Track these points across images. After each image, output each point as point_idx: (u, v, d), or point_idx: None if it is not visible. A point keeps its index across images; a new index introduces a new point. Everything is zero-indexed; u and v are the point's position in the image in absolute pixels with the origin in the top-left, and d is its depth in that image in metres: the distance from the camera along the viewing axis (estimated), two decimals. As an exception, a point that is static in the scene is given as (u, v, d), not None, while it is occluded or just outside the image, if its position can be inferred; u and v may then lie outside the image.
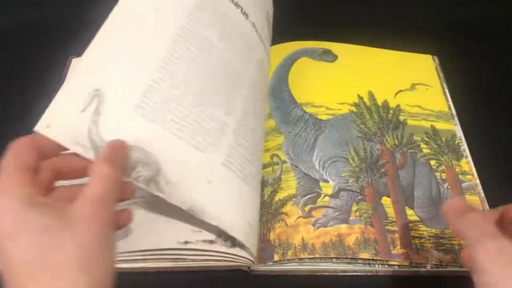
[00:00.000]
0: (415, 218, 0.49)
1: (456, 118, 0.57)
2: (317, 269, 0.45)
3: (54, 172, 0.33)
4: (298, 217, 0.48)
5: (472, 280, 0.32)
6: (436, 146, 0.54)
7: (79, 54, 0.60)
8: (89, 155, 0.34)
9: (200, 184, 0.39)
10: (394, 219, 0.48)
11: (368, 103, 0.57)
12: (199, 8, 0.44)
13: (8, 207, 0.28)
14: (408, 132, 0.55)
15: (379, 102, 0.58)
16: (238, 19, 0.48)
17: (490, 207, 0.50)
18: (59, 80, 0.58)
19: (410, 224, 0.48)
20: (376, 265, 0.45)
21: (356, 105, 0.57)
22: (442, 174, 0.52)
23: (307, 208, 0.48)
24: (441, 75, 0.62)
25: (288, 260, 0.45)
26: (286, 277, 0.46)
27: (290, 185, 0.50)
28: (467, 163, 0.53)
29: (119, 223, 0.34)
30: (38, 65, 0.61)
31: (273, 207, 0.49)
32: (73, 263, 0.27)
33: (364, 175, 0.51)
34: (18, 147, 0.31)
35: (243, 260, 0.43)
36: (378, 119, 0.56)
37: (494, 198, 0.50)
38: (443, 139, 0.55)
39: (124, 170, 0.33)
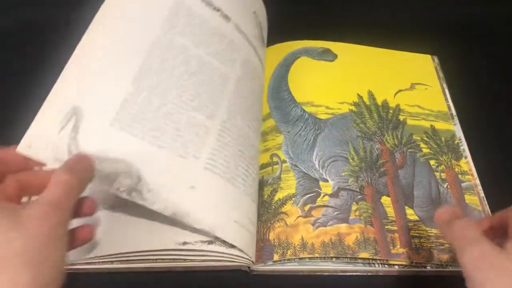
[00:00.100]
0: (414, 217, 0.49)
1: (455, 118, 0.57)
2: (317, 269, 0.45)
3: (19, 184, 0.35)
4: (298, 217, 0.48)
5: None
6: (435, 146, 0.54)
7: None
8: None
9: (183, 190, 0.40)
10: (394, 219, 0.48)
11: (367, 103, 0.57)
12: (173, 18, 0.45)
13: None
14: (408, 131, 0.55)
15: (379, 101, 0.58)
16: (217, 23, 0.49)
17: (490, 207, 0.50)
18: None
19: (409, 224, 0.48)
20: (376, 265, 0.45)
21: (356, 104, 0.57)
22: (442, 174, 0.52)
23: (306, 208, 0.48)
24: (441, 75, 0.62)
25: (287, 259, 0.45)
26: (286, 277, 0.46)
27: (290, 184, 0.50)
28: (467, 163, 0.53)
29: (80, 239, 0.36)
30: (38, 65, 0.61)
31: (273, 206, 0.49)
32: (17, 259, 0.27)
33: (363, 175, 0.51)
34: None
35: (242, 260, 0.43)
36: (377, 119, 0.56)
37: (494, 198, 0.50)
38: (443, 139, 0.55)
39: (83, 180, 0.34)
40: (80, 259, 0.42)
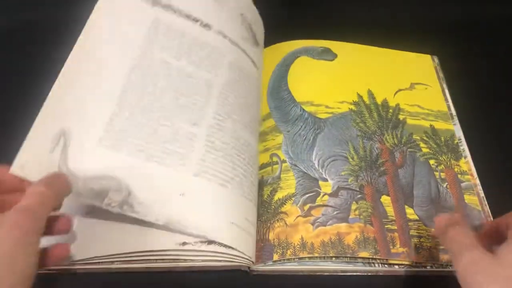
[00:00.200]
0: (414, 217, 0.49)
1: (455, 118, 0.57)
2: (317, 269, 0.45)
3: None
4: (298, 216, 0.48)
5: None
6: (435, 146, 0.54)
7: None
8: None
9: (173, 199, 0.41)
10: (394, 218, 0.48)
11: (367, 102, 0.57)
12: (152, 36, 0.47)
13: None
14: (408, 131, 0.55)
15: (379, 101, 0.58)
16: (197, 33, 0.50)
17: (489, 207, 0.50)
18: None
19: (409, 223, 0.48)
20: (376, 265, 0.45)
21: (355, 103, 0.57)
22: (441, 174, 0.52)
23: (306, 207, 0.48)
24: (441, 75, 0.62)
25: (287, 259, 0.45)
26: (286, 277, 0.46)
27: (290, 184, 0.50)
28: (466, 163, 0.53)
29: (55, 256, 0.37)
30: (38, 65, 0.61)
31: (273, 206, 0.49)
32: None
33: (363, 174, 0.51)
34: None
35: (242, 260, 0.43)
36: (377, 118, 0.56)
37: (494, 198, 0.50)
38: (442, 138, 0.55)
39: (59, 194, 0.36)
40: (80, 259, 0.42)
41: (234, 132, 0.47)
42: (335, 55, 0.62)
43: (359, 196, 0.49)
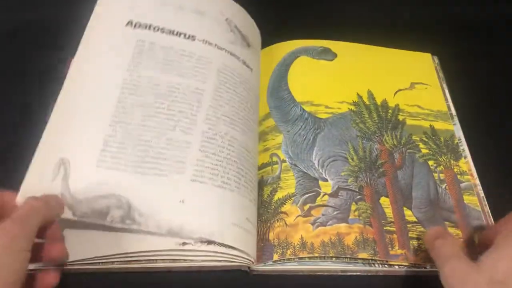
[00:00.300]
0: (413, 219, 0.49)
1: (455, 118, 0.57)
2: (317, 269, 0.46)
3: None
4: (297, 216, 0.48)
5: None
6: (434, 146, 0.54)
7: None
8: (68, 215, 0.40)
9: (173, 206, 0.43)
10: (393, 220, 0.48)
11: (367, 102, 0.57)
12: (137, 56, 0.49)
13: None
14: (407, 131, 0.55)
15: (378, 101, 0.58)
16: (182, 46, 0.52)
17: (489, 207, 0.50)
18: (59, 80, 0.58)
19: (408, 225, 0.48)
20: (376, 265, 0.45)
21: (355, 104, 0.57)
22: (441, 175, 0.52)
23: (306, 207, 0.48)
24: (441, 75, 0.62)
25: (287, 259, 0.45)
26: (286, 277, 0.46)
27: (289, 184, 0.50)
28: (466, 163, 0.53)
29: (44, 284, 0.39)
30: (38, 65, 0.61)
31: (273, 206, 0.49)
32: None
33: (363, 175, 0.51)
34: None
35: (242, 260, 0.43)
36: (377, 118, 0.56)
37: (494, 198, 0.50)
38: (442, 139, 0.55)
39: (50, 207, 0.38)
40: (80, 259, 0.42)
41: (228, 134, 0.48)
42: (335, 55, 0.62)
43: (359, 197, 0.49)
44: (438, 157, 0.53)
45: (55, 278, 0.39)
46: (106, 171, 0.43)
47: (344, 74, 0.60)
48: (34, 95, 0.58)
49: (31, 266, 0.38)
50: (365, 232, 0.47)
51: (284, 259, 0.45)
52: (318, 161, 0.52)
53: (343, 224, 0.47)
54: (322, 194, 0.50)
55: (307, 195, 0.49)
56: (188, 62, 0.51)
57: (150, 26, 0.52)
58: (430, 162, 0.53)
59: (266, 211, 0.48)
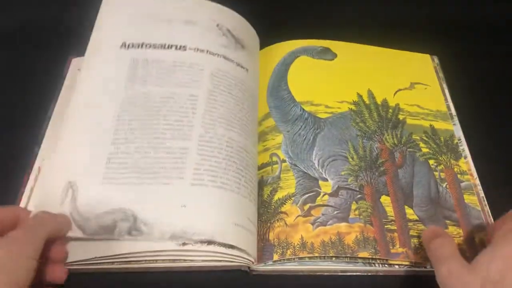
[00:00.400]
0: (414, 217, 0.49)
1: (455, 118, 0.57)
2: (317, 269, 0.45)
3: None
4: (297, 216, 0.48)
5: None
6: (434, 146, 0.54)
7: (79, 54, 0.60)
8: (77, 234, 0.42)
9: (175, 212, 0.43)
10: (393, 218, 0.48)
11: (367, 102, 0.57)
12: (132, 75, 0.51)
13: None
14: (407, 131, 0.55)
15: (379, 100, 0.58)
16: (174, 57, 0.53)
17: (489, 207, 0.50)
18: (59, 80, 0.58)
19: (409, 224, 0.48)
20: (376, 264, 0.45)
21: (355, 103, 0.57)
22: (441, 174, 0.52)
23: (306, 207, 0.48)
24: (441, 75, 0.62)
25: (287, 259, 0.45)
26: (286, 277, 0.46)
27: (289, 184, 0.50)
28: (466, 163, 0.53)
29: (52, 279, 0.41)
30: (38, 65, 0.61)
31: (273, 206, 0.49)
32: None
33: (363, 174, 0.51)
34: None
35: (242, 260, 0.43)
36: (377, 118, 0.56)
37: (494, 198, 0.50)
38: (442, 138, 0.55)
39: (58, 222, 0.41)
40: (80, 260, 0.42)
41: (225, 136, 0.48)
42: (335, 55, 0.62)
43: (359, 196, 0.49)
44: (438, 156, 0.53)
45: (63, 273, 0.41)
46: (110, 187, 0.44)
47: (344, 74, 0.60)
48: (34, 95, 0.58)
49: None
50: (366, 231, 0.47)
51: (284, 259, 0.45)
52: (318, 161, 0.52)
53: (344, 224, 0.47)
54: (322, 194, 0.50)
55: (307, 195, 0.49)
56: (180, 71, 0.52)
57: (142, 45, 0.53)
58: (431, 161, 0.53)
59: (266, 211, 0.48)
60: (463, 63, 0.63)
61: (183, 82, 0.51)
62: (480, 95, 0.61)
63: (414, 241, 0.46)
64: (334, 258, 0.45)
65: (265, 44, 0.62)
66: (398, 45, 0.64)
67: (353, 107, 0.57)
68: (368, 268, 0.45)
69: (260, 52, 0.61)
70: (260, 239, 0.46)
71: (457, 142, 0.55)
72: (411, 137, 0.55)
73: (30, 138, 0.53)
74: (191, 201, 0.44)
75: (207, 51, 0.54)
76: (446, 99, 0.59)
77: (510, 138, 0.57)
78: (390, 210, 0.49)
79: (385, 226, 0.47)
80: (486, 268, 0.35)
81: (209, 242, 0.42)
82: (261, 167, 0.52)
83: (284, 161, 0.52)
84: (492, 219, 0.49)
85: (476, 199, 0.50)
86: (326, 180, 0.51)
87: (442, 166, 0.53)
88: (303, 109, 0.56)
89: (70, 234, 0.41)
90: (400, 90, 0.59)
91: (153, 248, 0.42)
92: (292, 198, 0.49)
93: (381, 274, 0.46)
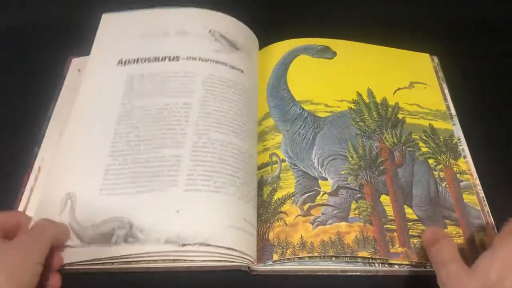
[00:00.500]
0: (413, 217, 0.49)
1: (455, 117, 0.57)
2: (317, 269, 0.45)
3: None
4: (297, 216, 0.48)
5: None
6: (434, 145, 0.54)
7: (79, 54, 0.60)
8: (76, 242, 0.43)
9: (169, 217, 0.44)
10: (393, 218, 0.48)
11: (367, 101, 0.57)
12: (128, 89, 0.53)
13: None
14: (407, 130, 0.55)
15: (378, 99, 0.58)
16: (167, 68, 0.54)
17: (489, 206, 0.50)
18: (59, 80, 0.58)
19: (408, 223, 0.48)
20: (376, 264, 0.45)
21: (355, 102, 0.57)
22: (440, 173, 0.52)
23: (306, 207, 0.48)
24: (440, 74, 0.62)
25: (287, 259, 0.45)
26: (286, 277, 0.46)
27: (289, 183, 0.50)
28: (466, 163, 0.53)
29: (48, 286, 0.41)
30: (38, 65, 0.61)
31: (272, 206, 0.49)
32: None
33: (363, 173, 0.51)
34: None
35: (242, 260, 0.43)
36: (377, 117, 0.56)
37: (494, 198, 0.50)
38: (441, 138, 0.55)
39: (59, 229, 0.42)
40: (80, 260, 0.42)
41: (219, 140, 0.49)
42: (335, 54, 0.62)
43: (359, 195, 0.49)
44: (437, 155, 0.53)
45: (58, 281, 0.41)
46: (108, 197, 0.45)
47: (343, 73, 0.60)
48: (34, 95, 0.58)
49: None
50: (365, 230, 0.47)
51: (284, 259, 0.45)
52: (318, 160, 0.52)
53: (343, 223, 0.47)
54: (321, 193, 0.50)
55: (306, 195, 0.49)
56: (174, 82, 0.53)
57: (137, 60, 0.55)
58: (430, 161, 0.53)
59: (265, 211, 0.48)
60: (463, 63, 0.63)
61: (177, 92, 0.52)
62: (480, 95, 0.61)
63: (414, 240, 0.46)
64: (333, 258, 0.45)
65: (265, 44, 0.62)
66: (398, 45, 0.64)
67: (352, 106, 0.57)
68: (368, 268, 0.45)
69: (259, 52, 0.61)
70: (259, 239, 0.46)
71: (456, 142, 0.55)
72: (411, 136, 0.55)
73: (30, 138, 0.53)
74: (185, 207, 0.45)
75: (199, 58, 0.55)
76: (445, 99, 0.59)
77: (510, 138, 0.57)
78: (389, 210, 0.49)
79: (385, 226, 0.47)
80: (486, 271, 0.36)
81: (205, 246, 0.42)
82: (260, 167, 0.52)
83: (283, 160, 0.52)
84: (492, 219, 0.49)
85: (475, 199, 0.50)
86: (325, 179, 0.51)
87: (441, 165, 0.53)
88: (303, 108, 0.56)
89: (69, 242, 0.43)
90: (399, 89, 0.59)
91: (153, 249, 0.42)
92: (292, 198, 0.49)
93: (381, 274, 0.46)
